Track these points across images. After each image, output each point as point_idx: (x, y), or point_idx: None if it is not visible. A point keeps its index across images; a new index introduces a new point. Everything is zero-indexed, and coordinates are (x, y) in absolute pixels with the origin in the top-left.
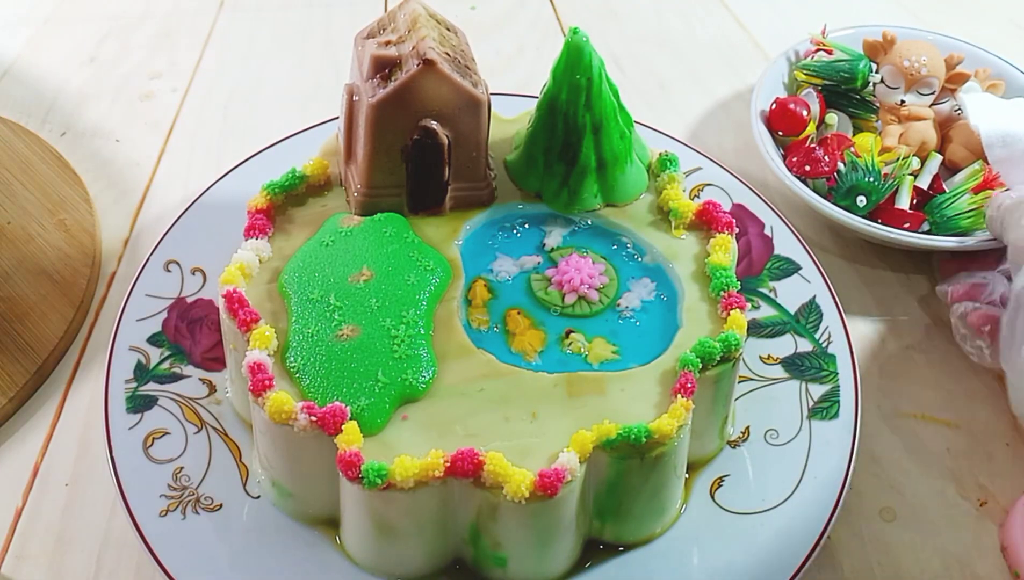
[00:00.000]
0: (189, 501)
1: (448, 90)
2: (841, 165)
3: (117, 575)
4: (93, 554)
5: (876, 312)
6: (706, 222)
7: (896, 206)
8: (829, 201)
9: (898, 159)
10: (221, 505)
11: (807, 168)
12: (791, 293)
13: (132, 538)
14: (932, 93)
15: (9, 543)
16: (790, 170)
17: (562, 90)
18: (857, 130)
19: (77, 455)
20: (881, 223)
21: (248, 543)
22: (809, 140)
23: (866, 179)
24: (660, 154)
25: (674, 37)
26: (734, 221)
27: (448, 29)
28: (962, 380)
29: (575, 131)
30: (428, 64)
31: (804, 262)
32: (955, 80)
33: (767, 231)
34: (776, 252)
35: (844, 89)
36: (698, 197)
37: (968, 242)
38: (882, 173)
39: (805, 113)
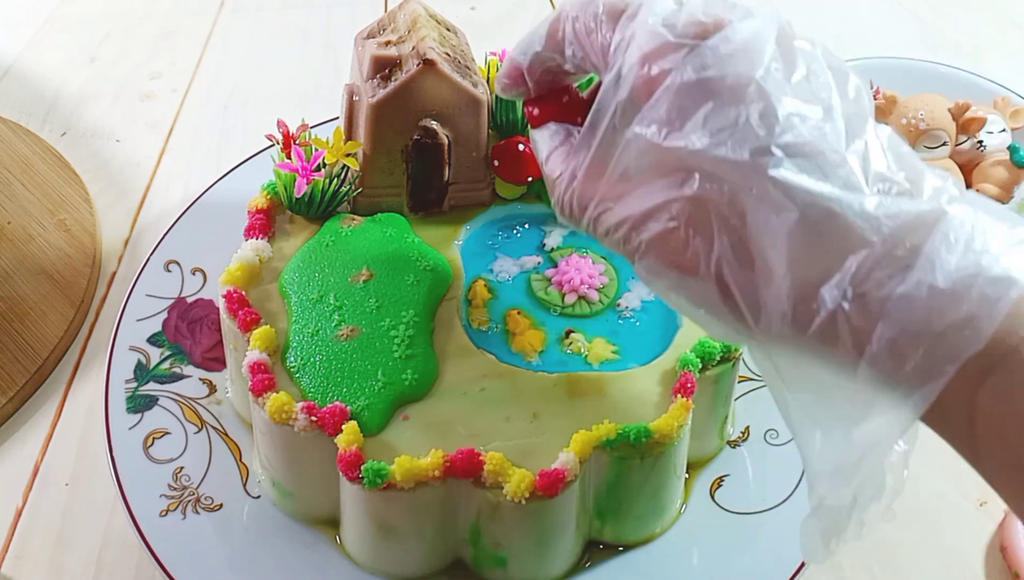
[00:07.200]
0: (189, 501)
1: (448, 90)
2: None
3: (117, 575)
4: (93, 554)
5: None
6: None
7: None
8: None
9: None
10: (221, 505)
11: None
12: None
13: (132, 538)
14: (942, 144)
15: (9, 543)
16: None
17: None
18: None
19: (77, 455)
20: None
21: (248, 543)
22: None
23: None
24: None
25: None
26: None
27: (448, 29)
28: None
29: None
30: (428, 64)
31: None
32: (969, 127)
33: None
34: None
35: None
36: None
37: None
38: None
39: None
